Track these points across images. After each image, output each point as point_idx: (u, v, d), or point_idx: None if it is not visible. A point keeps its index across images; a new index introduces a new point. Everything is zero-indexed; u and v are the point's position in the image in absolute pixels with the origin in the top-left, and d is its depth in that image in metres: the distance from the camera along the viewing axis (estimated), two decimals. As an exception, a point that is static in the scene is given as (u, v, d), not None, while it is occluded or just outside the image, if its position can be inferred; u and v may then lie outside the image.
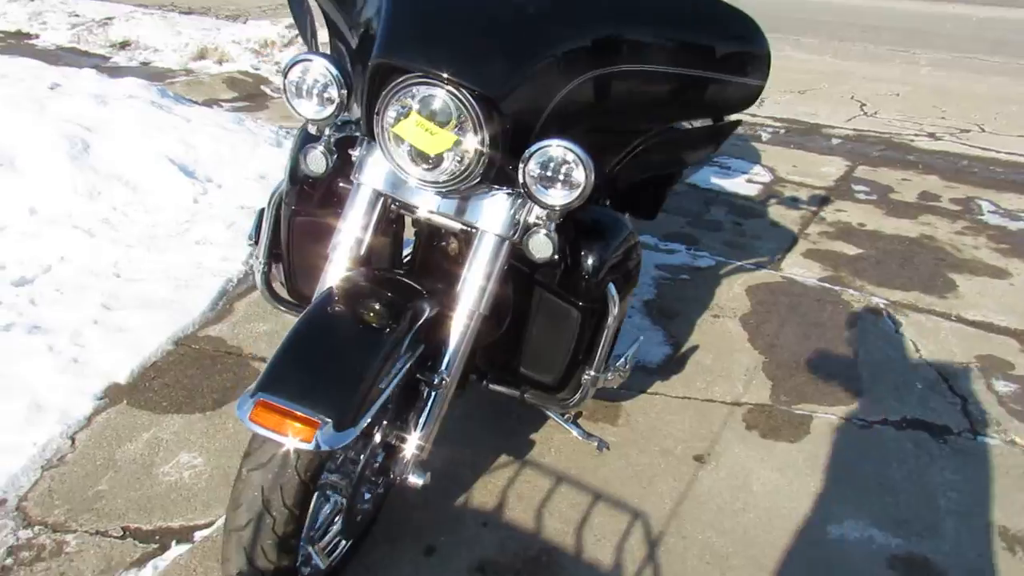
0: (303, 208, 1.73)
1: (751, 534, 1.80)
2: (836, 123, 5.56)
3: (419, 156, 1.37)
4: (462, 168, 1.36)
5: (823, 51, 8.56)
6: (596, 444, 2.01)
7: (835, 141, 5.11)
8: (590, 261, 1.58)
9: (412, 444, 1.44)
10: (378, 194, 1.50)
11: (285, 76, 1.41)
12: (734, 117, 1.61)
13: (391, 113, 1.36)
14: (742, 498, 1.91)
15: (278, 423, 1.17)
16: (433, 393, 1.46)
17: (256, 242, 1.84)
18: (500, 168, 1.37)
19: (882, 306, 2.90)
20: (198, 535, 1.74)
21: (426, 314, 1.41)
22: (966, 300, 3.00)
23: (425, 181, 1.40)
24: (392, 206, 1.52)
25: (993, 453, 2.12)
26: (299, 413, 1.18)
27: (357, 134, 1.52)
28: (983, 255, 3.42)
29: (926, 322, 2.81)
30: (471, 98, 1.30)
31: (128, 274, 2.75)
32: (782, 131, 5.27)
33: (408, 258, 1.80)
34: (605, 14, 1.42)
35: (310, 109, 1.43)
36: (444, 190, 1.41)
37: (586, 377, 1.68)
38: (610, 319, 1.64)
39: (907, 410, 2.28)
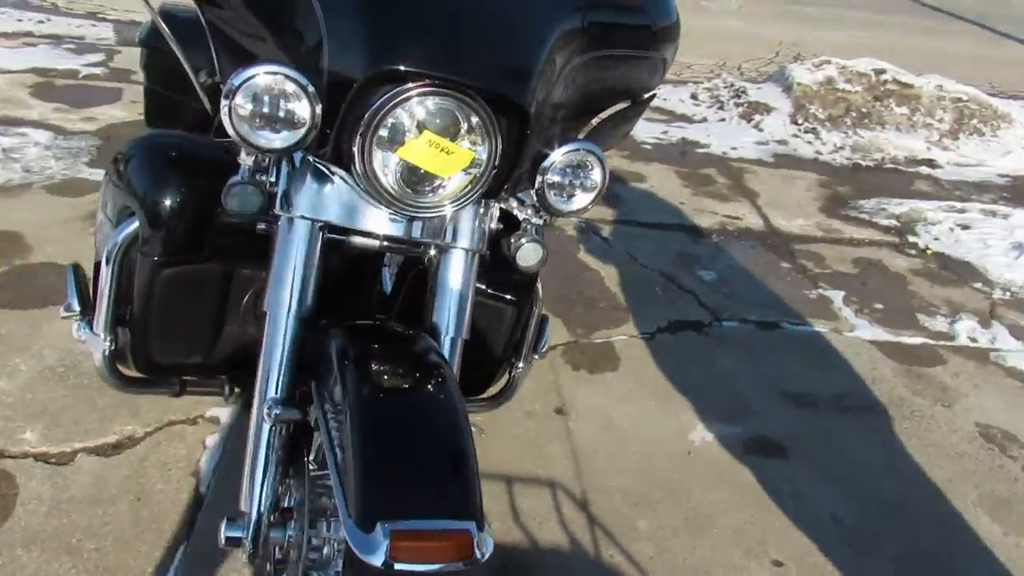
0: (171, 257, 1.27)
1: (647, 465, 1.96)
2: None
3: (415, 179, 1.12)
4: (469, 187, 1.14)
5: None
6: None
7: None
8: None
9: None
10: (319, 226, 1.18)
11: (231, 98, 1.00)
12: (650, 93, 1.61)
13: (383, 132, 1.06)
14: (618, 437, 2.04)
15: (430, 552, 0.91)
16: None
17: (88, 310, 1.31)
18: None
19: (583, 224, 3.22)
20: None
21: (436, 355, 1.20)
22: (632, 206, 3.49)
23: (413, 205, 1.14)
24: (325, 235, 1.21)
25: (737, 333, 2.59)
26: (444, 529, 0.94)
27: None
28: (624, 165, 3.98)
29: (622, 231, 3.21)
30: (488, 105, 1.09)
31: None
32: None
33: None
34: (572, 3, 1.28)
35: (276, 139, 1.05)
36: (431, 213, 1.17)
37: (517, 371, 1.60)
38: (537, 307, 1.57)
39: (667, 314, 2.64)
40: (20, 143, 3.20)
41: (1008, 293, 3.08)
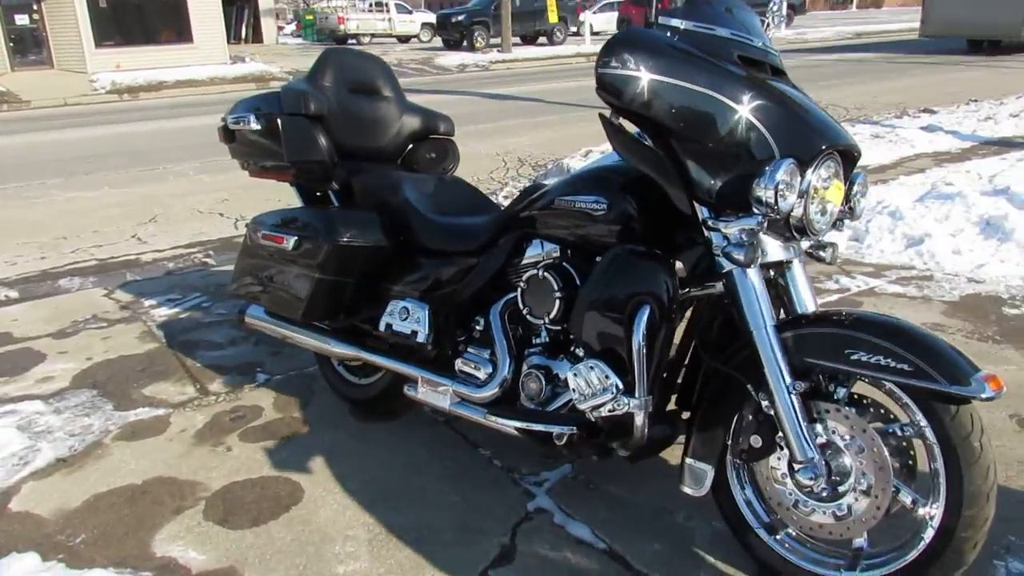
0: (671, 323, 1.78)
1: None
2: None
3: (822, 212, 1.80)
4: (838, 210, 1.85)
5: None
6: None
7: None
8: None
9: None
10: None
11: (775, 186, 1.62)
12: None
13: (820, 183, 1.74)
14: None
15: (999, 383, 1.58)
16: None
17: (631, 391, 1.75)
18: None
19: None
20: None
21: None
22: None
23: (820, 230, 1.82)
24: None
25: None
26: (990, 373, 1.61)
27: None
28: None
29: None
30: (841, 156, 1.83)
31: None
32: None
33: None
34: None
35: (787, 203, 1.66)
36: (827, 231, 1.85)
37: None
38: None
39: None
40: (25, 420, 2.94)
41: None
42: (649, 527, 2.15)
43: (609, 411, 1.82)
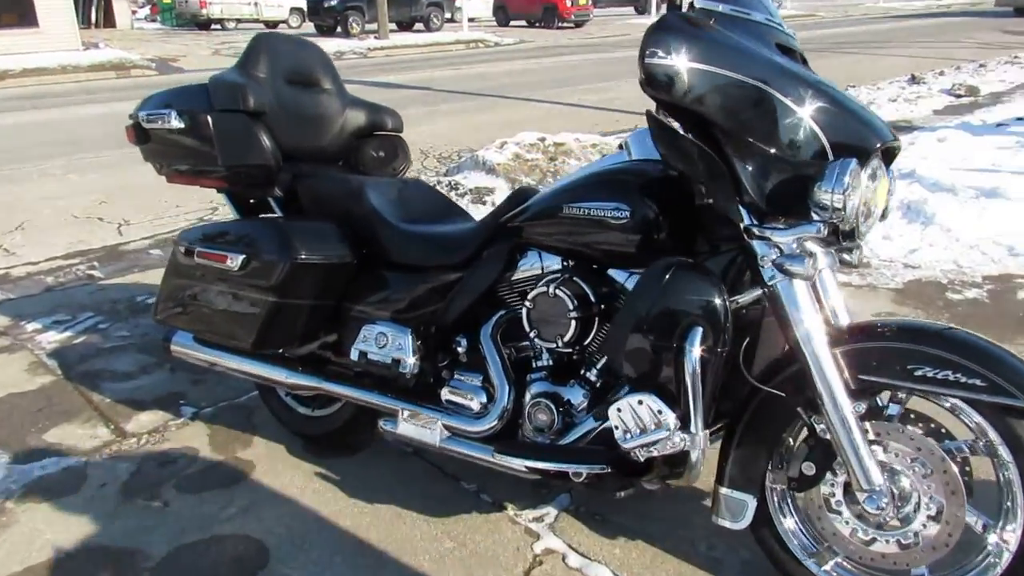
0: (724, 347, 1.58)
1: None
2: None
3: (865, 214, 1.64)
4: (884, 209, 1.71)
5: None
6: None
7: None
8: None
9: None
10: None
11: (845, 189, 1.45)
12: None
13: (869, 183, 1.58)
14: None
15: None
16: None
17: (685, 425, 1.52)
18: None
19: None
20: None
21: None
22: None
23: (865, 232, 1.67)
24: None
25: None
26: None
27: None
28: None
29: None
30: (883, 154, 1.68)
31: None
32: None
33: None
34: None
35: (849, 207, 1.49)
36: (870, 232, 1.70)
37: None
38: None
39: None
40: None
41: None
42: (674, 563, 1.96)
43: (662, 450, 1.60)
